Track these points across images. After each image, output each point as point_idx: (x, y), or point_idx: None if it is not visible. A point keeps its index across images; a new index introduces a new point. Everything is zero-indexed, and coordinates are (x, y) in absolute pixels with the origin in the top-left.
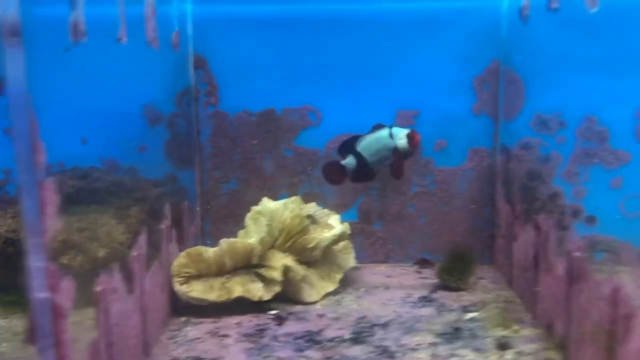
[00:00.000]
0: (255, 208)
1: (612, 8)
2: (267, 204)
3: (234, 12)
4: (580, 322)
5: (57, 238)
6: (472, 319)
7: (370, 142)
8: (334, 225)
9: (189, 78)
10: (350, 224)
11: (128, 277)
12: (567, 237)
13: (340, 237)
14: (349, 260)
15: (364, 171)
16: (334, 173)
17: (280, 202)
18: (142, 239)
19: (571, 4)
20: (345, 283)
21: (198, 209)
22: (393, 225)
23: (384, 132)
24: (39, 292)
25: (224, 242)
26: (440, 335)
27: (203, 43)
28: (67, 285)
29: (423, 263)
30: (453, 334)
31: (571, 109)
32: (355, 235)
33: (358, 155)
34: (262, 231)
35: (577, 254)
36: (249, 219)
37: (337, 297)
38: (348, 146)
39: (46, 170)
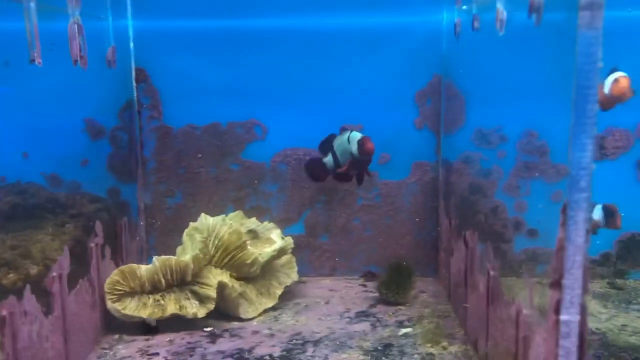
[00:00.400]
0: (192, 224)
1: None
2: (205, 219)
3: (176, 27)
4: (495, 342)
5: None
6: (405, 335)
7: (338, 144)
8: (275, 240)
9: (131, 92)
10: (296, 238)
11: (44, 298)
12: (488, 255)
13: (280, 252)
14: (291, 275)
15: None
16: (316, 169)
17: (219, 218)
18: (64, 258)
19: (488, 26)
20: (287, 298)
21: (142, 223)
22: (339, 239)
23: (345, 136)
24: None
25: (157, 260)
26: (368, 352)
27: (145, 57)
28: None
29: (369, 276)
30: (382, 351)
31: (511, 124)
32: (301, 249)
33: (334, 154)
34: (196, 248)
35: (493, 273)
36: (185, 235)
37: (275, 313)
38: (328, 143)
39: None
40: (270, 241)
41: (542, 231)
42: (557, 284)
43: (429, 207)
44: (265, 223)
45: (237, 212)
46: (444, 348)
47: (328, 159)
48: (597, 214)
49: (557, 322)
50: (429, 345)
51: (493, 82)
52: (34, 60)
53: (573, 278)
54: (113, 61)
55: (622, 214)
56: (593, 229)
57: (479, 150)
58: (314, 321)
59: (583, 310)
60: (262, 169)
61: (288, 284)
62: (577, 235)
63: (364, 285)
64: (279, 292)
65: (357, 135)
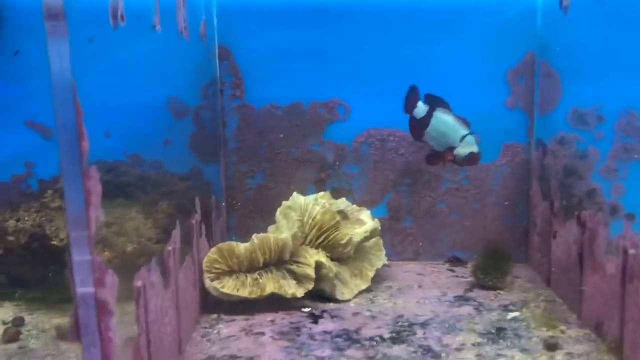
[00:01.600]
0: (285, 203)
1: None
2: (297, 198)
3: (259, 3)
4: (637, 323)
5: (100, 231)
6: (514, 319)
7: (440, 126)
8: (366, 221)
9: (215, 69)
10: (379, 221)
11: (164, 272)
12: (625, 232)
13: (372, 234)
14: (381, 257)
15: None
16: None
17: (311, 197)
18: (176, 233)
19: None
20: (377, 281)
21: (223, 204)
22: (423, 222)
23: (461, 130)
24: (83, 287)
25: (256, 237)
26: (483, 335)
27: (228, 34)
28: (111, 280)
29: (455, 261)
30: (496, 334)
31: (610, 103)
32: (383, 232)
33: (428, 114)
34: (294, 226)
35: (632, 251)
36: (280, 213)
37: (370, 295)
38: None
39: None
40: (360, 222)
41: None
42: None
43: (520, 190)
44: (352, 204)
45: (325, 192)
46: (562, 332)
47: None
48: None
49: None
50: (544, 329)
51: (597, 58)
52: (155, 25)
53: None
54: (204, 35)
55: None
56: None
57: (574, 132)
58: (413, 304)
59: None
60: (344, 150)
61: (379, 267)
62: None
63: (452, 270)
64: (371, 274)
65: (472, 142)
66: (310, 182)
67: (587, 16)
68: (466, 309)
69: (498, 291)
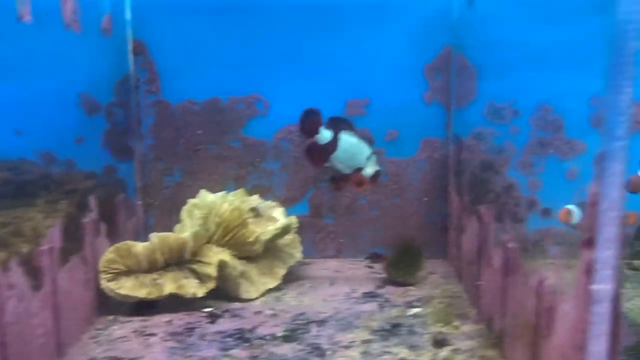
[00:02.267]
0: (191, 201)
1: None
2: (205, 196)
3: None
4: (514, 316)
5: None
6: (414, 315)
7: (348, 149)
8: (278, 218)
9: (127, 65)
10: (300, 218)
11: (32, 272)
12: (505, 226)
13: (283, 231)
14: (295, 254)
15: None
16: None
17: (219, 195)
18: (55, 232)
19: None
20: (291, 279)
21: (139, 202)
22: (344, 219)
23: (366, 150)
24: None
25: (155, 237)
26: (376, 332)
27: (143, 28)
28: None
29: (375, 257)
30: (390, 331)
31: (525, 97)
32: (305, 230)
33: (334, 139)
34: (196, 224)
35: (511, 245)
36: (184, 212)
37: (278, 294)
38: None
39: None
40: (273, 219)
41: (556, 210)
42: (589, 243)
43: (439, 186)
44: (269, 202)
45: (240, 189)
46: (456, 327)
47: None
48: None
49: (588, 285)
50: (440, 324)
51: (509, 52)
52: (22, 17)
53: (607, 236)
54: (108, 30)
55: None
56: None
57: (491, 126)
58: (319, 302)
59: (618, 273)
60: (264, 146)
61: (292, 264)
62: (612, 188)
63: (370, 267)
64: (282, 272)
65: (375, 160)
66: (230, 179)
67: (489, 9)
68: (370, 306)
69: (409, 287)
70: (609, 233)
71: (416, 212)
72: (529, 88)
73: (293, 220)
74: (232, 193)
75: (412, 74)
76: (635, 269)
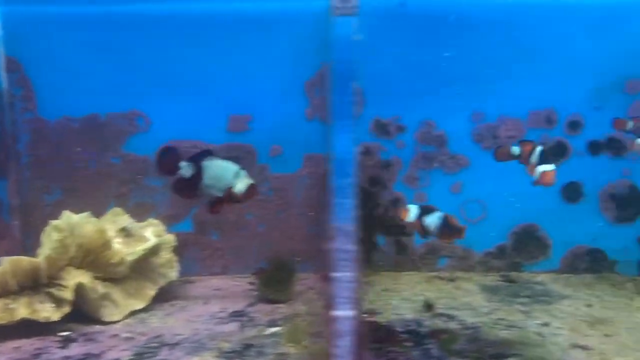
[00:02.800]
0: (53, 222)
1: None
2: (68, 217)
3: (51, 12)
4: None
5: None
6: (272, 334)
7: (216, 170)
8: (150, 237)
9: (0, 82)
10: (185, 236)
11: None
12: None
13: (153, 251)
14: (169, 274)
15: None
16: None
17: (84, 215)
18: None
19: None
20: (165, 299)
21: (16, 222)
22: (230, 235)
23: (231, 167)
24: None
25: (6, 261)
26: (225, 353)
27: (17, 45)
28: None
29: (260, 273)
30: (240, 352)
31: (409, 113)
32: (190, 247)
33: (197, 170)
34: (52, 247)
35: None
36: (44, 234)
37: (145, 315)
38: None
39: None
40: (144, 239)
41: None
42: (326, 278)
43: (323, 201)
44: (150, 220)
45: (114, 208)
46: (305, 347)
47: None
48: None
49: (332, 318)
50: (290, 344)
51: (391, 69)
52: None
53: (344, 270)
54: None
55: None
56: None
57: (377, 141)
58: (183, 323)
59: (358, 305)
60: (146, 163)
61: (163, 285)
62: (345, 224)
63: (253, 283)
64: (151, 293)
65: (244, 175)
66: (111, 197)
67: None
68: (231, 326)
69: (280, 304)
70: (346, 267)
71: (302, 227)
72: (413, 104)
73: (168, 239)
74: (110, 212)
75: (293, 90)
76: (510, 281)
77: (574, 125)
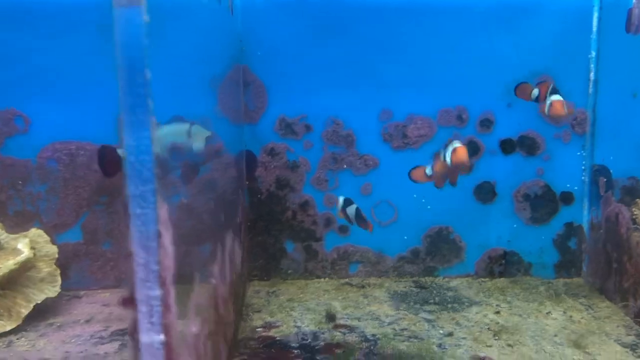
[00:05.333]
0: None
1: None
2: None
3: None
4: None
5: None
6: None
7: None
8: (23, 250)
9: None
10: (73, 246)
11: None
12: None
13: (25, 265)
14: (48, 290)
15: None
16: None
17: None
18: None
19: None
20: (43, 317)
21: None
22: (125, 244)
23: (182, 127)
24: None
25: None
26: None
27: None
28: None
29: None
30: None
31: (316, 112)
32: (79, 258)
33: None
34: None
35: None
36: None
37: (14, 337)
38: None
39: None
40: (16, 252)
41: (353, 227)
42: (131, 301)
43: (236, 204)
44: (33, 230)
45: None
46: None
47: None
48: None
49: (137, 346)
50: None
51: (291, 64)
52: None
53: (149, 292)
54: None
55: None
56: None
57: (284, 142)
58: (55, 345)
59: (169, 331)
60: (27, 167)
61: (39, 302)
62: (147, 238)
63: None
64: (25, 311)
65: (200, 130)
66: None
67: (274, 22)
68: (109, 347)
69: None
70: (152, 288)
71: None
72: (319, 102)
73: (50, 251)
74: None
75: (200, 87)
76: (421, 286)
77: (486, 123)
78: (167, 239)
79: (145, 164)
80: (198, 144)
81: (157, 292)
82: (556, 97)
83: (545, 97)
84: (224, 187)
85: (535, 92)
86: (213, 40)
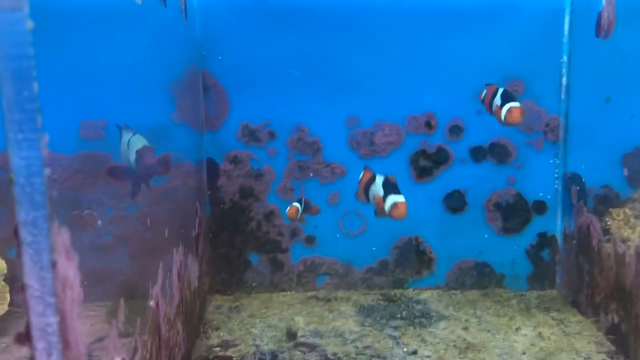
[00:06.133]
0: None
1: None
2: None
3: None
4: None
5: None
6: None
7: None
8: None
9: None
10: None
11: None
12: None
13: None
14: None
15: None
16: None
17: None
18: None
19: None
20: None
21: None
22: (86, 258)
23: (127, 137)
24: None
25: None
26: None
27: None
28: None
29: None
30: None
31: (280, 118)
32: None
33: None
34: None
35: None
36: None
37: None
38: None
39: None
40: None
41: (320, 238)
42: (26, 337)
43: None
44: None
45: None
46: None
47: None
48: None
49: None
50: None
51: (254, 69)
52: None
53: (46, 327)
54: None
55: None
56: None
57: (247, 149)
58: None
59: None
60: None
61: None
62: (41, 268)
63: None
64: None
65: (137, 143)
66: None
67: (234, 25)
68: None
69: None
70: (46, 329)
71: (174, 244)
72: (283, 108)
73: (0, 265)
74: None
75: (157, 92)
76: (390, 299)
77: (455, 130)
78: (70, 267)
79: (37, 186)
80: (131, 157)
81: (54, 327)
82: (513, 104)
83: (491, 101)
84: (175, 199)
85: (484, 93)
86: (161, 45)
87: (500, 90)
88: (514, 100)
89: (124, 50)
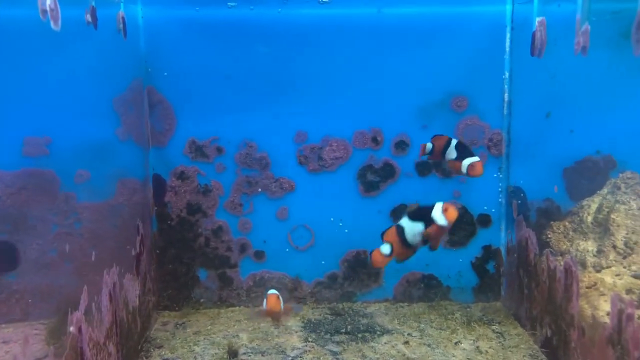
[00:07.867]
0: None
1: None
2: None
3: None
4: None
5: None
6: None
7: None
8: None
9: None
10: None
11: None
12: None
13: None
14: None
15: None
16: None
17: None
18: None
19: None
20: None
21: None
22: (32, 275)
23: None
24: None
25: None
26: None
27: None
28: None
29: None
30: None
31: (227, 134)
32: None
33: None
34: None
35: None
36: None
37: None
38: None
39: None
40: None
41: (269, 253)
42: None
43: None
44: None
45: None
46: None
47: None
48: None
49: None
50: None
51: (202, 84)
52: None
53: None
54: None
55: None
56: None
57: (194, 165)
58: None
59: None
60: None
61: None
62: None
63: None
64: None
65: None
66: None
67: (178, 37)
68: None
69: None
70: None
71: (116, 262)
72: (231, 123)
73: None
74: None
75: (100, 108)
76: (337, 313)
77: (401, 145)
78: None
79: None
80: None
81: None
82: (475, 159)
83: (441, 154)
84: (112, 218)
85: (429, 146)
86: (100, 64)
87: (454, 142)
88: (470, 154)
89: (58, 71)
